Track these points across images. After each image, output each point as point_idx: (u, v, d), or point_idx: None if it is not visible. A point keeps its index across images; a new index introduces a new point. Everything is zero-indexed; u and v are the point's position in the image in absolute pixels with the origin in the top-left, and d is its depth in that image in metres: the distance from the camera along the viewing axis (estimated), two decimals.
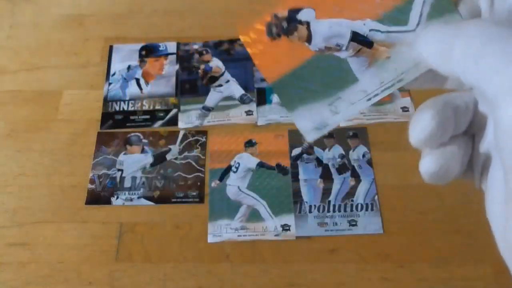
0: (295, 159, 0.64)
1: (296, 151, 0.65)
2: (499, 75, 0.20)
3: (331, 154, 0.64)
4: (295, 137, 0.66)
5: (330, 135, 0.66)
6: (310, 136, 0.28)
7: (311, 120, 0.28)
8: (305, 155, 0.65)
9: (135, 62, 0.74)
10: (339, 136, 0.66)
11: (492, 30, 0.20)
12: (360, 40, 0.28)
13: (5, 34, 0.78)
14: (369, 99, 0.28)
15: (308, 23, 0.29)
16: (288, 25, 0.29)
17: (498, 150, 0.21)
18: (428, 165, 0.24)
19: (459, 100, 0.24)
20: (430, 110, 0.23)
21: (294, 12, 0.29)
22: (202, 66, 0.73)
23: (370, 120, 0.67)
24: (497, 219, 0.22)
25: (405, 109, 0.67)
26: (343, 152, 0.64)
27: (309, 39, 0.28)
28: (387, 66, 0.27)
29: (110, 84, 0.72)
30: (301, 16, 0.29)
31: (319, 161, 0.64)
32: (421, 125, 0.23)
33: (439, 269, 0.56)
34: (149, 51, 0.75)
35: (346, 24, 0.28)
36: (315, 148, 0.65)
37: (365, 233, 0.59)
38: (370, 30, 0.28)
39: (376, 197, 0.61)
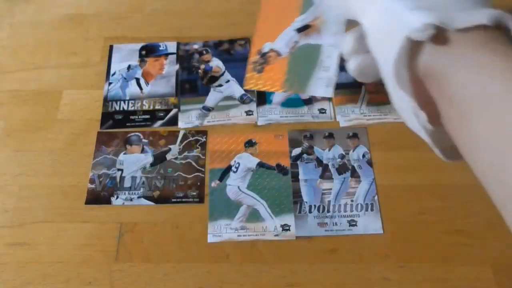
0: (295, 159, 0.64)
1: (296, 151, 0.65)
2: (358, 4, 0.37)
3: (331, 154, 0.64)
4: (295, 137, 0.66)
5: (330, 135, 0.66)
6: (328, 93, 0.44)
7: (319, 85, 0.43)
8: (305, 155, 0.65)
9: (135, 62, 0.74)
10: (339, 136, 0.66)
11: None
12: (302, 29, 0.45)
13: (5, 33, 0.78)
14: (335, 46, 0.44)
15: (271, 49, 0.47)
16: (263, 60, 0.47)
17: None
18: (350, 64, 0.41)
19: None
20: (352, 33, 0.41)
21: (260, 51, 0.47)
22: (202, 66, 0.73)
23: (370, 120, 0.67)
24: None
25: None
26: (343, 152, 0.64)
27: (279, 54, 0.46)
28: (328, 24, 0.44)
29: (110, 84, 0.72)
30: (265, 49, 0.47)
31: (319, 161, 0.64)
32: (346, 42, 0.41)
33: (439, 269, 0.56)
34: (149, 51, 0.75)
35: (288, 31, 0.46)
36: (315, 148, 0.65)
37: (365, 233, 0.59)
38: (301, 20, 0.45)
39: (376, 197, 0.61)
